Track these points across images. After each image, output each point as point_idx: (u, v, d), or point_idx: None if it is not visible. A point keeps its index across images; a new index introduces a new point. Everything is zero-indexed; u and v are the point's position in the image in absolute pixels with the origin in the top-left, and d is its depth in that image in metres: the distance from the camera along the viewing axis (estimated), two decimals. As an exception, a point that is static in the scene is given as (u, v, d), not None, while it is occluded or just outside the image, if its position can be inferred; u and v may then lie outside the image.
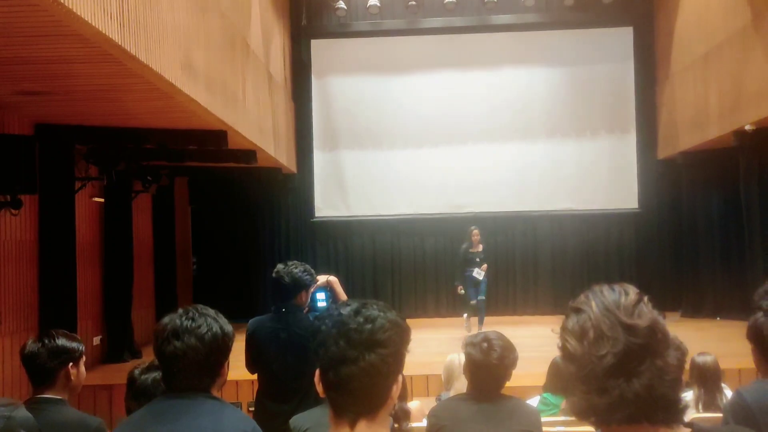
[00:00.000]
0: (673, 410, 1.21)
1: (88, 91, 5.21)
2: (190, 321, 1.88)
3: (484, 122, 10.63)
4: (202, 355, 1.85)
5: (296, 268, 3.58)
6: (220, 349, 1.90)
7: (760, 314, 1.75)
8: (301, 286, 3.55)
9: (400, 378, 1.39)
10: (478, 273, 8.54)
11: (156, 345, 1.91)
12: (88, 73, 4.67)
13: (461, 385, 3.67)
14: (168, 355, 1.86)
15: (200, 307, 1.96)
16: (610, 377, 1.18)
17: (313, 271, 3.65)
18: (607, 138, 10.75)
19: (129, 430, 1.84)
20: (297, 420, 2.68)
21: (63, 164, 6.52)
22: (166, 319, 1.92)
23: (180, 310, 1.94)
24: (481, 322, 8.47)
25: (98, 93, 5.27)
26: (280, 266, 3.61)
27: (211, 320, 1.91)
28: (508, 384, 2.84)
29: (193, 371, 1.86)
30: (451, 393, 3.97)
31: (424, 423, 2.93)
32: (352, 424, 1.33)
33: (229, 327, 1.95)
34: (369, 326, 1.33)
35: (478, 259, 8.62)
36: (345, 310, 1.37)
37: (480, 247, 8.72)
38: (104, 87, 5.05)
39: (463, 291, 8.68)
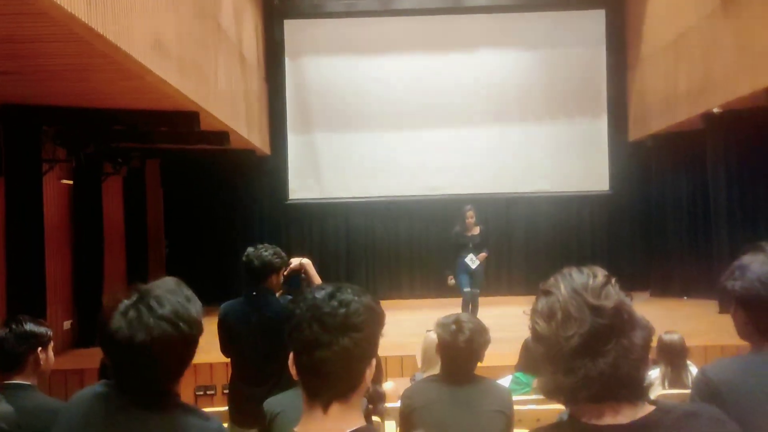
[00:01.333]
0: (637, 388, 1.23)
1: (55, 71, 5.09)
2: (157, 319, 1.51)
3: (459, 104, 10.64)
4: (167, 360, 1.53)
5: (266, 251, 3.58)
6: (187, 352, 1.58)
7: (737, 282, 1.74)
8: (271, 269, 3.56)
9: (374, 362, 1.40)
10: (472, 260, 7.59)
11: (106, 339, 1.54)
12: (54, 53, 4.56)
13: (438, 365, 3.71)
14: (123, 355, 1.52)
15: (162, 296, 1.57)
16: (576, 357, 1.21)
17: (284, 254, 3.65)
18: (580, 121, 10.84)
19: None
20: (270, 403, 2.69)
21: (30, 146, 6.37)
22: (118, 323, 1.52)
23: (140, 307, 1.54)
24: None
25: (66, 73, 5.15)
26: (250, 249, 3.62)
27: (179, 321, 1.54)
28: (480, 364, 2.89)
29: (156, 375, 1.54)
30: (427, 373, 4.01)
31: (398, 404, 2.96)
32: (326, 408, 1.33)
33: (197, 322, 1.60)
34: (343, 310, 1.33)
35: (471, 245, 7.69)
36: (319, 294, 1.36)
37: (477, 230, 7.79)
38: (72, 67, 4.93)
39: (452, 281, 7.76)
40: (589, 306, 1.22)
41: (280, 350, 3.48)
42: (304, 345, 1.33)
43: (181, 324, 1.55)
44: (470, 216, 7.73)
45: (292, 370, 1.38)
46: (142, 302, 1.56)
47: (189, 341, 1.57)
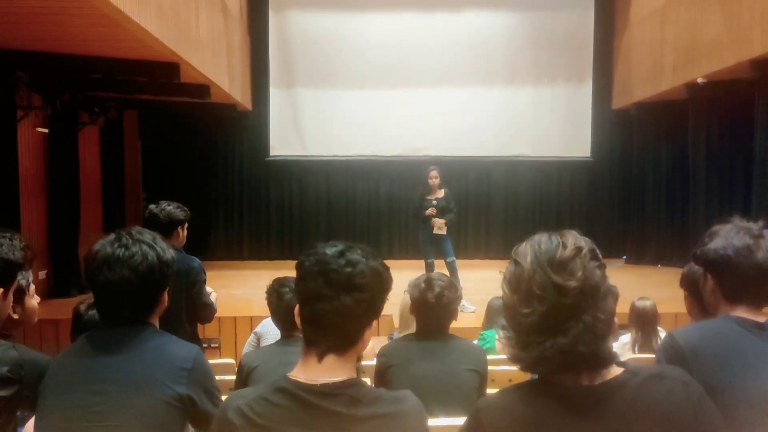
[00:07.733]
0: (599, 362, 1.23)
1: (30, 14, 4.92)
2: (123, 249, 1.72)
3: (444, 65, 10.51)
4: (136, 287, 1.72)
5: (168, 205, 3.71)
6: (156, 280, 1.75)
7: (707, 248, 1.83)
8: (176, 222, 3.69)
9: (374, 323, 1.44)
10: (440, 228, 6.88)
11: (87, 273, 1.76)
12: (28, -6, 4.41)
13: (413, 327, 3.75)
14: (100, 285, 1.73)
15: (136, 231, 1.79)
16: (533, 334, 1.20)
17: (185, 207, 3.78)
18: (564, 86, 10.80)
19: (69, 362, 1.75)
20: (248, 356, 2.70)
21: (3, 91, 6.21)
22: (97, 246, 1.75)
23: (112, 236, 1.77)
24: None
25: (41, 16, 4.98)
26: (152, 206, 3.72)
27: (147, 248, 1.74)
28: (455, 325, 2.92)
29: (128, 303, 1.73)
30: (403, 334, 4.05)
31: (374, 362, 3.00)
32: (320, 357, 1.39)
33: (168, 254, 1.80)
34: (349, 269, 1.37)
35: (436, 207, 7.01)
36: (330, 250, 1.40)
37: (441, 193, 7.06)
38: (47, 10, 4.77)
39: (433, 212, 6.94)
40: (552, 284, 1.19)
41: (180, 307, 3.58)
42: (307, 296, 1.39)
43: (156, 247, 1.77)
44: (434, 177, 7.03)
45: (297, 320, 1.43)
46: (124, 230, 1.79)
47: (164, 263, 1.76)
